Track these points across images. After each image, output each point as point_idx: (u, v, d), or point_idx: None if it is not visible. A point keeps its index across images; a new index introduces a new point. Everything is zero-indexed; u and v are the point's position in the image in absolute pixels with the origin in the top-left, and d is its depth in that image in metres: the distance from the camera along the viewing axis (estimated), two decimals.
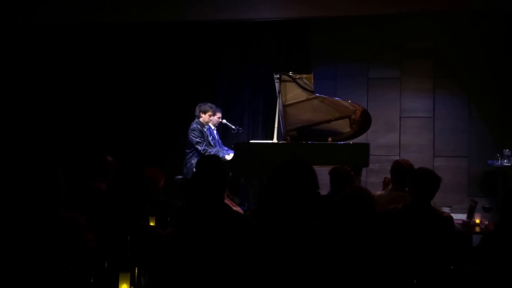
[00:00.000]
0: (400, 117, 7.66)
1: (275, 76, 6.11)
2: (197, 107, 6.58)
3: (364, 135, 6.53)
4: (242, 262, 2.63)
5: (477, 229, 4.38)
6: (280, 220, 2.68)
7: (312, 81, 6.12)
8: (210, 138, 6.57)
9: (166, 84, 7.89)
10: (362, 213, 2.95)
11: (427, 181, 3.37)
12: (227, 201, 3.49)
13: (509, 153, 6.61)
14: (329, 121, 6.35)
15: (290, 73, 6.16)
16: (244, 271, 2.62)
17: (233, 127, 6.86)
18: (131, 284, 2.60)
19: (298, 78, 6.15)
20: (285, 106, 6.21)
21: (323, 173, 4.26)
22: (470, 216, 4.49)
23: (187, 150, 6.49)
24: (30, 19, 7.61)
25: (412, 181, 3.44)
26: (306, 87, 6.16)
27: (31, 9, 7.56)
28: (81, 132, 7.80)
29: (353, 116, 6.33)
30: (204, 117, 6.54)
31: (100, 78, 7.91)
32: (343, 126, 6.39)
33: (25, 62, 7.85)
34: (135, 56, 7.88)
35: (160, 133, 7.72)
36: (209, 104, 6.63)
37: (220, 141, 6.87)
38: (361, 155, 6.01)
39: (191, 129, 6.42)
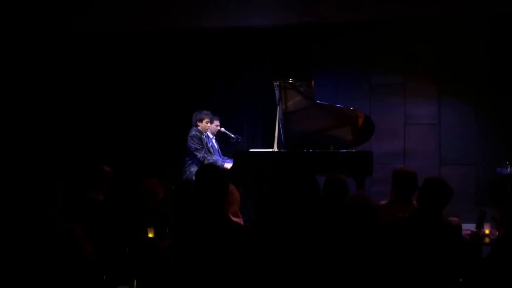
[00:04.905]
0: (404, 124, 7.56)
1: (275, 83, 6.05)
2: (193, 116, 6.52)
3: (367, 143, 6.43)
4: (242, 274, 2.59)
5: (487, 239, 4.21)
6: (280, 231, 2.62)
7: (313, 88, 6.06)
8: (209, 145, 6.51)
9: (164, 93, 7.84)
10: (366, 223, 2.89)
11: (437, 191, 3.25)
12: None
13: None
14: (330, 128, 6.26)
15: (290, 80, 6.11)
16: (244, 283, 2.57)
17: (232, 135, 6.78)
18: None
19: (298, 85, 6.10)
20: (285, 114, 6.15)
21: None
22: (479, 226, 4.36)
23: (186, 158, 6.43)
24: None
25: (422, 190, 3.32)
26: (307, 94, 6.10)
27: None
28: (78, 142, 7.74)
29: (355, 124, 6.23)
30: (201, 125, 6.47)
31: (97, 87, 7.87)
32: (345, 133, 6.28)
33: (23, 70, 7.80)
34: (132, 65, 7.83)
35: (158, 143, 7.67)
36: (205, 112, 6.55)
37: (219, 151, 6.80)
38: (364, 164, 5.91)
39: (190, 136, 6.36)
